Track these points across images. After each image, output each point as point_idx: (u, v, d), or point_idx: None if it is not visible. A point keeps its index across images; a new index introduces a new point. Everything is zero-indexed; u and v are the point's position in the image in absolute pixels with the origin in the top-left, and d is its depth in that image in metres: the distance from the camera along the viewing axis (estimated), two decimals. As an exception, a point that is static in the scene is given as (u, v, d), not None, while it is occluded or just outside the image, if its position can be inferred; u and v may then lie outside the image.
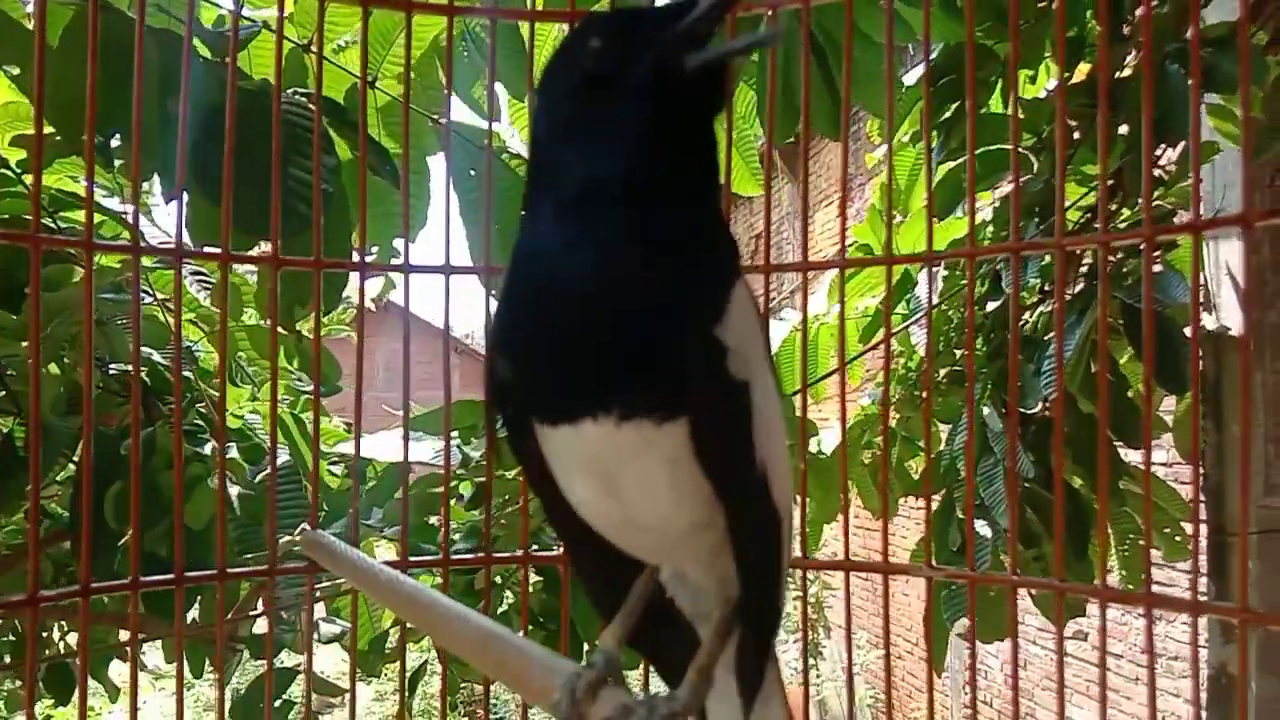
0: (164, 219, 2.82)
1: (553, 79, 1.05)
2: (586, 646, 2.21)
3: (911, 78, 2.64)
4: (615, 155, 0.95)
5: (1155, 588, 1.36)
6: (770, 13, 1.60)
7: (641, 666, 1.59)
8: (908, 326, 2.88)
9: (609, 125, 0.97)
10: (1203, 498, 3.96)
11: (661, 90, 0.96)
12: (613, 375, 0.93)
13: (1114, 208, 2.46)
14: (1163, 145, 2.42)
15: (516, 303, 1.00)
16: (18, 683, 3.00)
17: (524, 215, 1.02)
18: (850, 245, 3.21)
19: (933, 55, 2.48)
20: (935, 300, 2.78)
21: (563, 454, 1.00)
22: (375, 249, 2.40)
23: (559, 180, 0.98)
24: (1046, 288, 2.67)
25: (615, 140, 0.96)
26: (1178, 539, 2.72)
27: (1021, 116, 2.47)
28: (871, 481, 2.94)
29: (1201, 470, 3.95)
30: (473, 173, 2.19)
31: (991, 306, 2.60)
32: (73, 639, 2.93)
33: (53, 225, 2.37)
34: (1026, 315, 2.69)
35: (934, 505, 1.99)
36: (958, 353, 2.82)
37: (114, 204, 2.77)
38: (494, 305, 1.06)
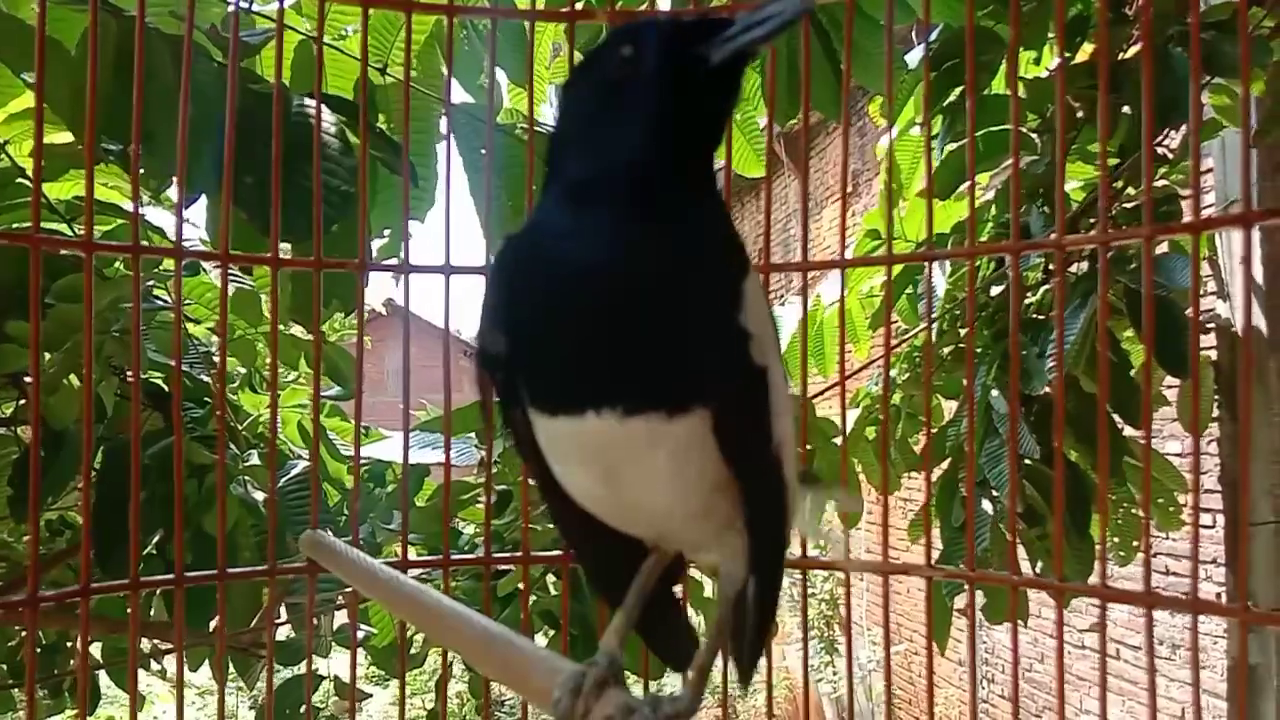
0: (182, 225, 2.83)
1: (579, 80, 1.07)
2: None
3: (915, 58, 2.63)
4: (634, 147, 0.96)
5: (1170, 579, 1.35)
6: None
7: (642, 668, 1.60)
8: (925, 328, 2.88)
9: (630, 119, 0.98)
10: (1220, 488, 3.95)
11: (684, 84, 0.97)
12: (625, 368, 0.92)
13: (1119, 185, 2.44)
14: (1166, 128, 2.41)
15: (521, 283, 0.99)
16: (42, 692, 3.01)
17: (542, 199, 1.03)
18: (859, 232, 3.21)
19: (933, 37, 2.48)
20: (943, 280, 2.79)
21: (560, 442, 1.00)
22: (387, 231, 2.40)
23: (576, 171, 0.99)
24: (1051, 267, 2.67)
25: (635, 133, 0.97)
26: (1170, 509, 2.72)
27: (1024, 97, 2.47)
28: (875, 458, 2.94)
29: (1218, 461, 3.94)
30: (483, 151, 2.19)
31: (996, 291, 2.60)
32: (95, 648, 2.95)
33: (71, 233, 2.39)
34: (1030, 296, 2.69)
35: (933, 502, 1.99)
36: (962, 330, 2.82)
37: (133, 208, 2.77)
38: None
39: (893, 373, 2.95)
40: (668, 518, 1.04)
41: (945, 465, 2.72)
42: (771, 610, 1.13)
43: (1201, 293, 3.56)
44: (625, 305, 0.91)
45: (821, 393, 2.91)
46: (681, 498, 1.00)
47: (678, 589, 1.30)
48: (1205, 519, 4.46)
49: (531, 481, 1.21)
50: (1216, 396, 2.92)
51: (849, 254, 3.13)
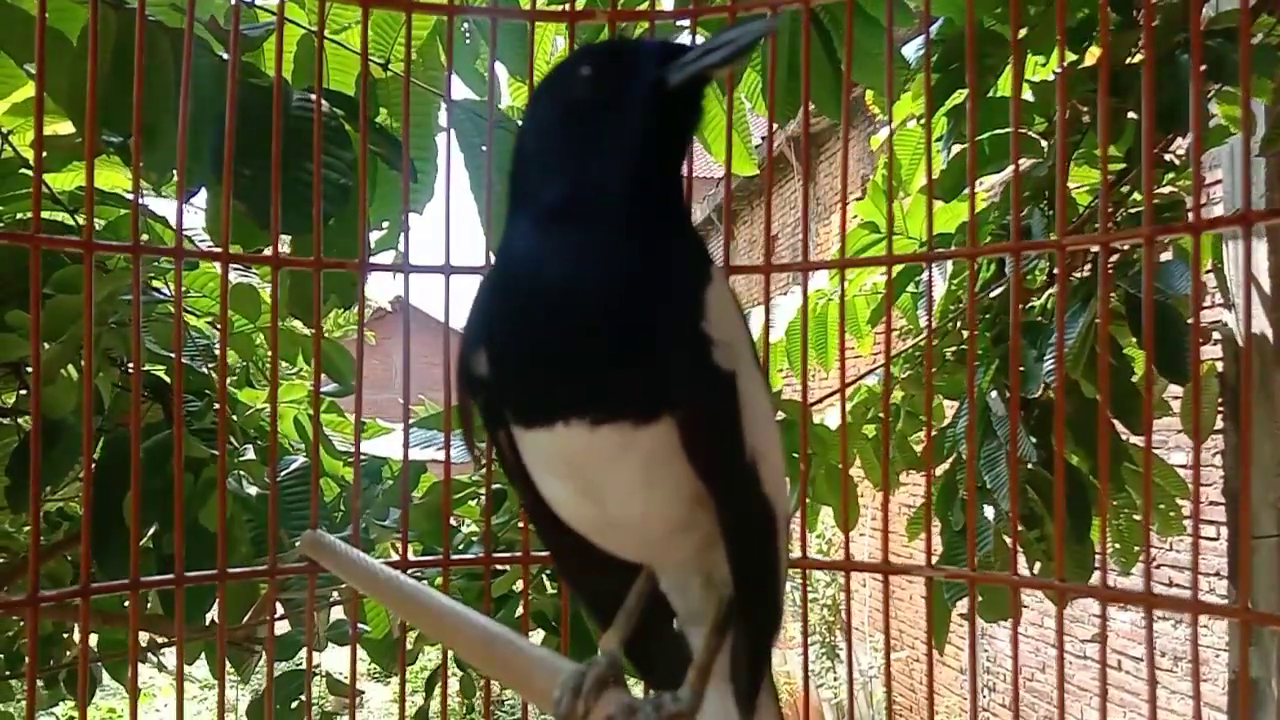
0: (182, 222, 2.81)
1: (542, 100, 1.08)
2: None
3: (911, 50, 2.62)
4: (596, 167, 0.98)
5: (1174, 590, 1.35)
6: (769, 12, 1.59)
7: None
8: (927, 331, 2.87)
9: (592, 139, 1.00)
10: (1224, 500, 3.94)
11: (643, 107, 0.98)
12: (589, 379, 0.94)
13: (1124, 189, 2.44)
14: (1171, 134, 2.40)
15: (493, 303, 1.02)
16: (40, 682, 3.01)
17: (510, 218, 1.04)
18: (854, 223, 3.21)
19: (936, 37, 2.48)
20: (944, 282, 2.79)
21: (538, 455, 1.02)
22: (385, 224, 2.39)
23: (541, 191, 1.00)
24: (1053, 271, 2.67)
25: (597, 153, 0.99)
26: (1171, 515, 2.72)
27: (1030, 99, 2.47)
28: (874, 455, 2.94)
29: (1222, 474, 3.93)
30: (484, 149, 2.18)
31: (996, 292, 2.60)
32: (92, 639, 2.94)
33: (74, 223, 2.38)
34: (1035, 299, 2.69)
35: (933, 505, 1.99)
36: (964, 332, 2.83)
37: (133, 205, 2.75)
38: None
39: (892, 370, 2.95)
40: (649, 531, 1.05)
41: (946, 466, 2.72)
42: (769, 630, 1.12)
43: (1206, 303, 3.56)
44: (587, 318, 0.93)
45: (823, 399, 2.91)
46: (659, 509, 1.01)
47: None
48: (1209, 531, 4.46)
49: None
50: (1221, 407, 2.92)
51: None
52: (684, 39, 1.87)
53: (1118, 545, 2.68)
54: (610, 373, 0.93)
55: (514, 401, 1.00)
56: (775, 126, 1.98)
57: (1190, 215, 2.63)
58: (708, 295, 0.96)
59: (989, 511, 2.52)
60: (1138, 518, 2.67)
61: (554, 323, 0.94)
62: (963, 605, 2.73)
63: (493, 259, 1.09)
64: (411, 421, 1.82)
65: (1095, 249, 2.42)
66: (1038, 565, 2.59)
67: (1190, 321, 2.22)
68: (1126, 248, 2.40)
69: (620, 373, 0.93)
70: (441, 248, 1.64)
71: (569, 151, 1.00)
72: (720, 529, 1.02)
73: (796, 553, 1.59)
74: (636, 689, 1.20)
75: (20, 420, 2.64)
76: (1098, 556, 2.19)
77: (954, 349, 2.85)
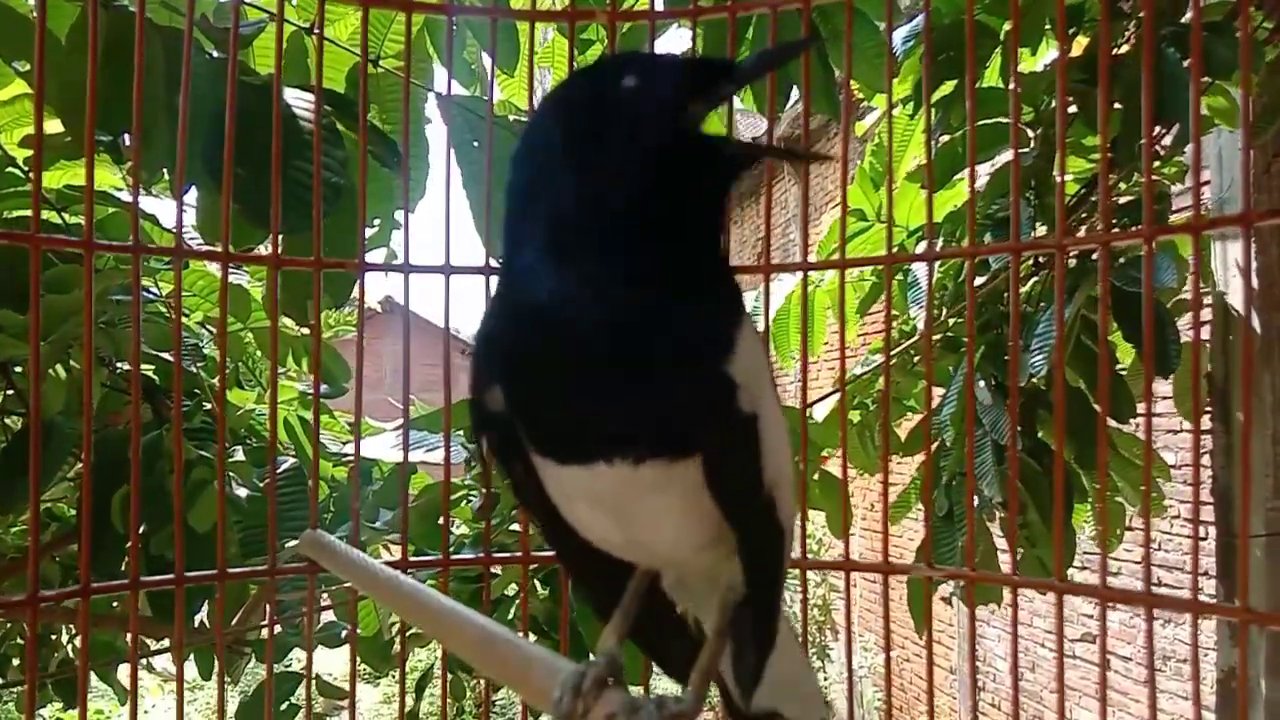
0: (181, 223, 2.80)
1: (575, 108, 1.01)
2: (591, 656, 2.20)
3: (900, 36, 2.61)
4: (635, 197, 0.93)
5: (1161, 589, 1.36)
6: (770, 13, 1.59)
7: (641, 670, 1.59)
8: (916, 336, 2.87)
9: (633, 167, 0.94)
10: (1212, 499, 3.96)
11: (697, 161, 0.96)
12: (628, 420, 0.92)
13: (1110, 178, 2.45)
14: (1157, 126, 2.41)
15: (508, 341, 0.98)
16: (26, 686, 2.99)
17: (517, 241, 0.98)
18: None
19: (919, 22, 2.48)
20: (934, 270, 2.80)
21: (570, 487, 1.00)
22: (377, 221, 2.38)
23: (566, 212, 0.94)
24: (1040, 259, 2.67)
25: (637, 183, 0.94)
26: (1153, 496, 2.73)
27: (1018, 90, 2.48)
28: (859, 440, 2.95)
29: (1210, 473, 3.95)
30: (476, 144, 2.17)
31: (979, 281, 2.60)
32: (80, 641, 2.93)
33: (61, 222, 2.37)
34: (1020, 287, 2.69)
35: (919, 487, 1.97)
36: (951, 320, 2.83)
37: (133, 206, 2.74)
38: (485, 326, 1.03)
39: (878, 357, 2.96)
40: (676, 551, 1.06)
41: (932, 449, 2.73)
42: (769, 643, 1.13)
43: (1188, 296, 3.59)
44: (623, 361, 0.90)
45: (822, 399, 2.91)
46: (689, 533, 1.02)
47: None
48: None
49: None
50: (1209, 408, 2.94)
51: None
52: (685, 36, 1.86)
53: (1100, 528, 2.69)
54: (647, 413, 0.92)
55: (544, 441, 0.98)
56: (772, 127, 1.98)
57: (1177, 209, 2.65)
58: (736, 337, 0.94)
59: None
60: (1118, 499, 2.68)
61: (584, 365, 0.91)
62: (944, 589, 2.74)
63: (497, 280, 1.02)
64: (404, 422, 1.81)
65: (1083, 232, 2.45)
66: (1020, 552, 2.59)
67: (1184, 312, 2.26)
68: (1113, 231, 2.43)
69: (655, 413, 0.92)
70: (434, 247, 1.63)
71: (601, 171, 0.94)
72: (738, 551, 1.03)
73: (795, 553, 1.58)
74: (635, 689, 1.21)
75: (6, 420, 2.63)
76: (1096, 556, 2.20)
77: (939, 335, 2.85)
